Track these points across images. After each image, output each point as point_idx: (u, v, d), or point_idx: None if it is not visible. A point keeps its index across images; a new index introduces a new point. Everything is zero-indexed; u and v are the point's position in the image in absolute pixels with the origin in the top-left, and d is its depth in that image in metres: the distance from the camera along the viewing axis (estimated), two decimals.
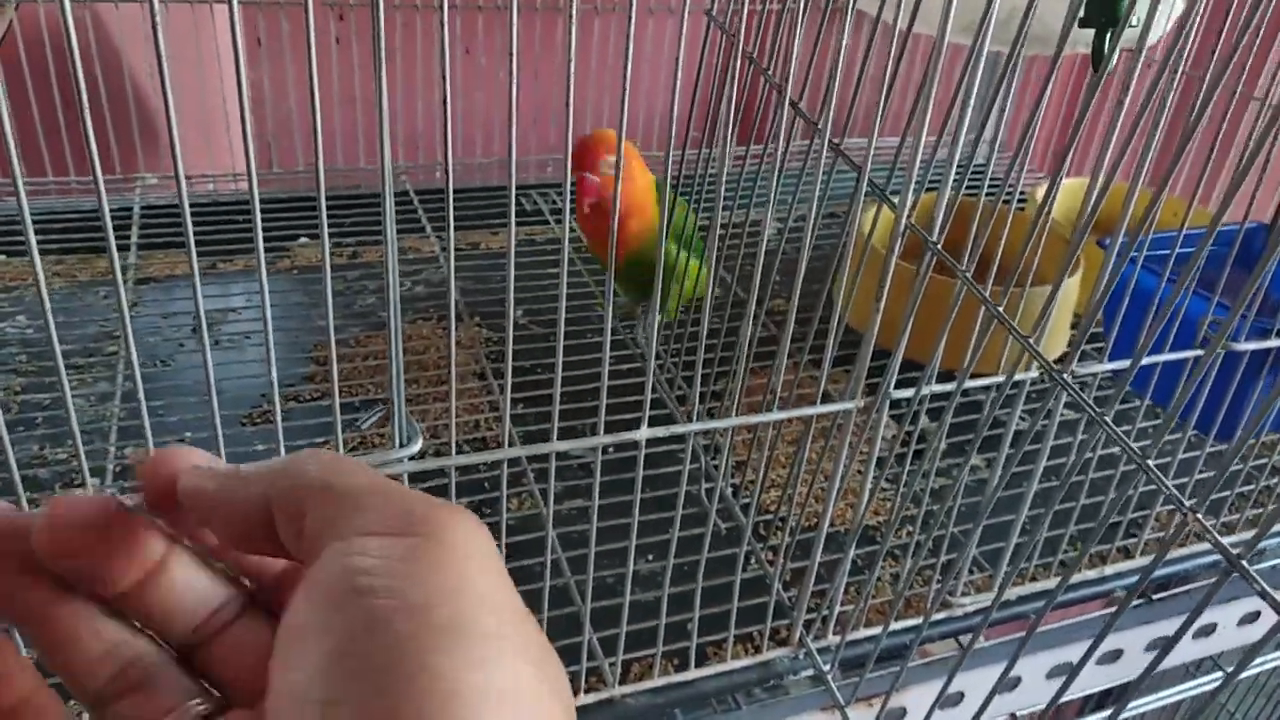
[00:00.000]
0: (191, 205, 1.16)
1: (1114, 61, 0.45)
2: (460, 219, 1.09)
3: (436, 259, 1.03)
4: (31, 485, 0.72)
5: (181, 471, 0.23)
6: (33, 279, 0.99)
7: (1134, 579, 0.71)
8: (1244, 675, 0.80)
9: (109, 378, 0.82)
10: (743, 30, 0.67)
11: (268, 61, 1.09)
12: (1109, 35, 0.42)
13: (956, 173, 0.48)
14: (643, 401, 0.46)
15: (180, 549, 0.23)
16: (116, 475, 0.73)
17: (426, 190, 1.11)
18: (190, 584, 0.23)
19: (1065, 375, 0.44)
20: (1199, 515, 0.34)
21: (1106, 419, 0.39)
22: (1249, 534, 0.77)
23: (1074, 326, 0.96)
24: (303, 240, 1.03)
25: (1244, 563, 0.32)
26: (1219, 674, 0.81)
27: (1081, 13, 0.42)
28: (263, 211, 1.14)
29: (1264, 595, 0.31)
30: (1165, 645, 0.38)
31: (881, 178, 0.53)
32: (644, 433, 0.46)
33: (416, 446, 0.42)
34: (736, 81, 0.62)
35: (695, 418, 0.48)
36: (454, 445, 0.43)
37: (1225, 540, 0.75)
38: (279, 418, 0.39)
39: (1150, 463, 0.37)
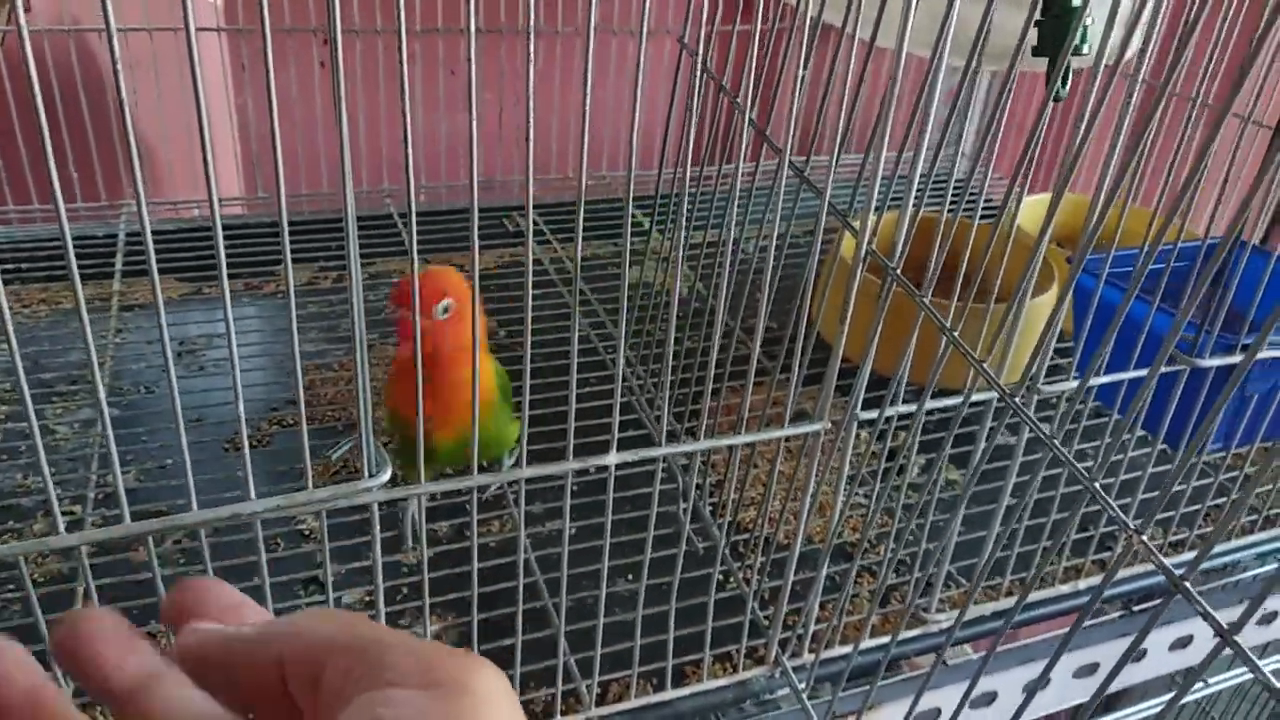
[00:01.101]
0: (178, 230, 1.16)
1: (1067, 88, 0.46)
2: (444, 240, 1.10)
3: None
4: (15, 514, 0.73)
5: (182, 631, 0.23)
6: (19, 307, 0.99)
7: (1110, 591, 0.71)
8: (1225, 685, 0.81)
9: (92, 404, 0.83)
10: (713, 54, 0.68)
11: (251, 86, 1.10)
12: (1062, 65, 0.43)
13: (923, 187, 0.48)
14: (622, 422, 0.47)
15: (178, 672, 0.23)
16: (98, 503, 0.73)
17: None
18: (188, 698, 0.23)
19: (1016, 399, 0.45)
20: (1143, 537, 0.35)
21: (1055, 441, 0.40)
22: (1224, 545, 0.78)
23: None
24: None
25: (1187, 584, 0.33)
26: (1200, 685, 0.82)
27: (1034, 43, 0.43)
28: (249, 235, 1.14)
29: (1206, 616, 0.32)
30: (1113, 670, 0.38)
31: (848, 195, 0.54)
32: (613, 458, 0.47)
33: (386, 476, 0.43)
34: (706, 105, 0.63)
35: (664, 441, 0.49)
36: (421, 474, 0.43)
37: (1179, 558, 0.75)
38: (246, 450, 0.40)
39: (1098, 484, 0.37)
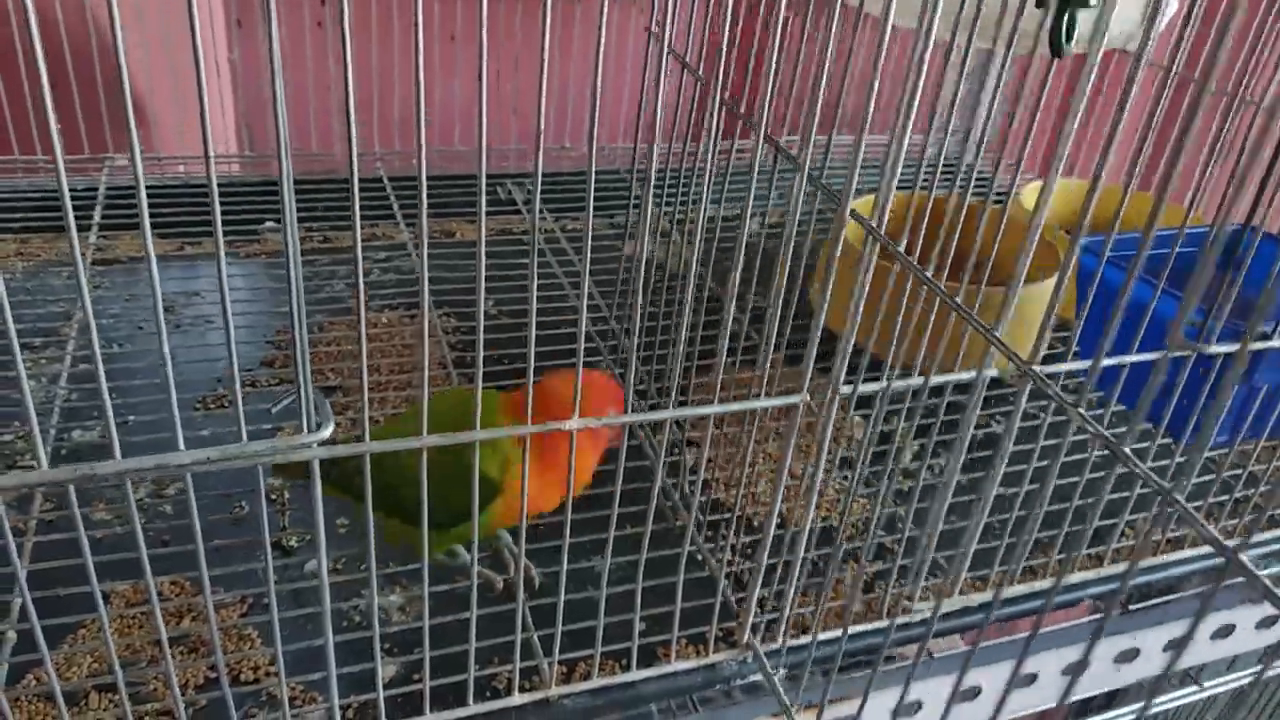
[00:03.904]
0: (163, 187, 1.14)
1: (1072, 43, 0.43)
2: (436, 207, 1.07)
3: (405, 246, 1.01)
4: None
5: None
6: None
7: (1103, 588, 0.69)
8: (1222, 687, 0.78)
9: (60, 359, 0.80)
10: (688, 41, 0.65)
11: (240, 44, 1.07)
12: (1066, 15, 0.40)
13: (930, 171, 0.46)
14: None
15: None
16: (56, 458, 0.71)
17: (400, 177, 1.10)
18: None
19: (1033, 367, 0.42)
20: (1180, 498, 0.32)
21: (1080, 409, 0.37)
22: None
23: (1060, 329, 0.94)
24: (269, 224, 1.01)
25: (1242, 557, 0.30)
26: (1194, 688, 0.79)
27: None
28: (234, 194, 1.12)
29: (1268, 592, 0.29)
30: (1178, 644, 0.36)
31: (842, 175, 0.51)
32: (574, 423, 0.44)
33: (328, 431, 0.40)
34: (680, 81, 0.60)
35: (629, 410, 0.46)
36: (367, 430, 0.41)
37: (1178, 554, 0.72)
38: (174, 393, 0.37)
39: (1127, 449, 0.35)
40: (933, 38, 0.41)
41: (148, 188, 1.09)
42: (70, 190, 1.06)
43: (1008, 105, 1.27)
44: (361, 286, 0.35)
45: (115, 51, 0.31)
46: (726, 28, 0.43)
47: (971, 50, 0.43)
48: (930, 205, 0.50)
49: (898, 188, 0.48)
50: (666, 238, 0.87)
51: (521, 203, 1.11)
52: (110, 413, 0.38)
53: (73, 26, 0.99)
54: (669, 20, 0.72)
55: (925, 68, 0.42)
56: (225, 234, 0.99)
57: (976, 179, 1.22)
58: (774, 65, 0.46)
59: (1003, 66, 0.42)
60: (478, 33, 0.34)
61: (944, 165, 1.21)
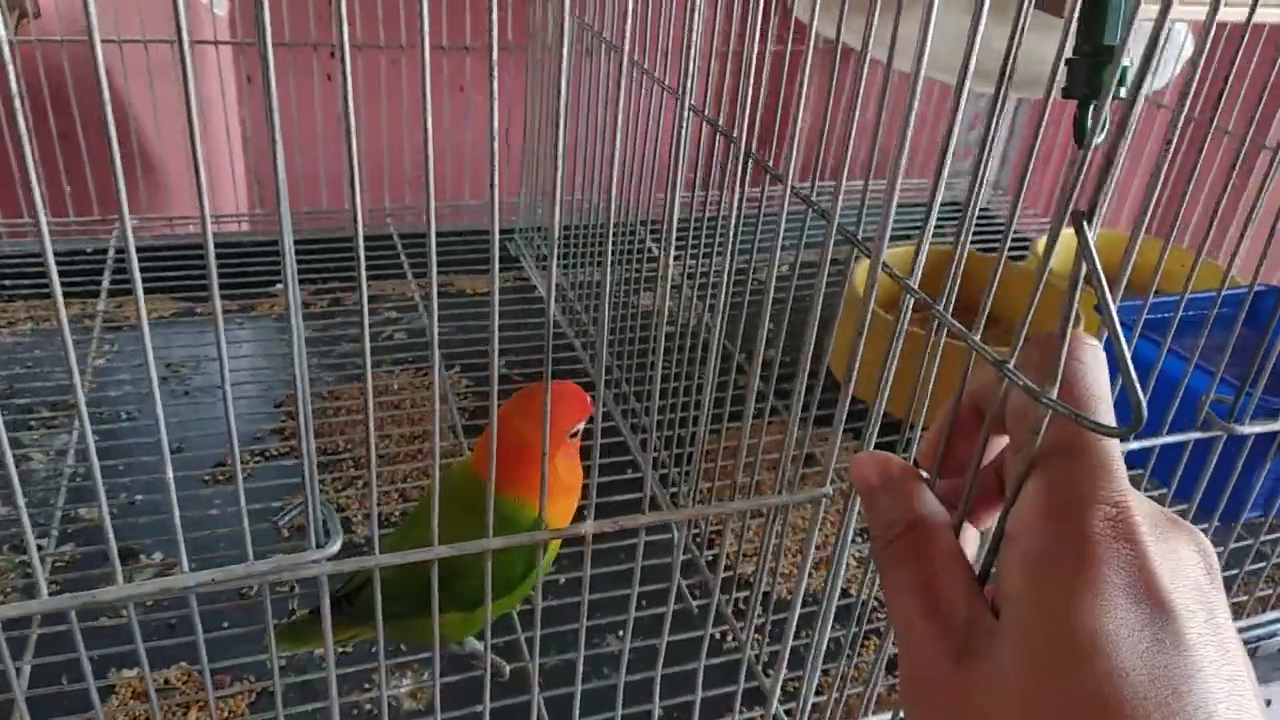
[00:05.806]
0: (173, 247, 1.13)
1: (1103, 134, 0.41)
2: (444, 263, 1.07)
3: (417, 305, 1.01)
4: None
5: None
6: (3, 324, 0.95)
7: None
8: None
9: (69, 430, 0.80)
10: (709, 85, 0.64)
11: (251, 101, 1.07)
12: (1092, 108, 0.38)
13: (947, 217, 0.44)
14: (616, 464, 0.43)
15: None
16: (64, 537, 0.70)
17: (410, 234, 1.09)
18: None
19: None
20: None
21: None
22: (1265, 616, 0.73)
23: None
24: (280, 287, 1.00)
25: None
26: None
27: (1063, 83, 0.39)
28: (246, 254, 1.11)
29: None
30: None
31: (866, 223, 0.50)
32: (590, 526, 0.43)
33: (335, 547, 0.39)
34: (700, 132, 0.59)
35: (648, 506, 0.45)
36: (376, 546, 0.39)
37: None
38: (177, 519, 0.36)
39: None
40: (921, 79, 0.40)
41: (159, 249, 1.08)
42: (82, 253, 1.04)
43: (1019, 148, 1.26)
44: (371, 423, 0.34)
45: (104, 107, 0.30)
46: (762, 83, 0.42)
47: (969, 92, 0.42)
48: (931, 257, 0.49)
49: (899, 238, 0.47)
50: (678, 290, 0.86)
51: (534, 260, 1.10)
52: (113, 544, 0.36)
53: (81, 89, 0.99)
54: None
55: (961, 115, 0.41)
56: (234, 294, 0.98)
57: (979, 225, 1.20)
58: (798, 116, 0.44)
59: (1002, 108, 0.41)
60: (502, 85, 0.33)
61: (951, 210, 1.19)
